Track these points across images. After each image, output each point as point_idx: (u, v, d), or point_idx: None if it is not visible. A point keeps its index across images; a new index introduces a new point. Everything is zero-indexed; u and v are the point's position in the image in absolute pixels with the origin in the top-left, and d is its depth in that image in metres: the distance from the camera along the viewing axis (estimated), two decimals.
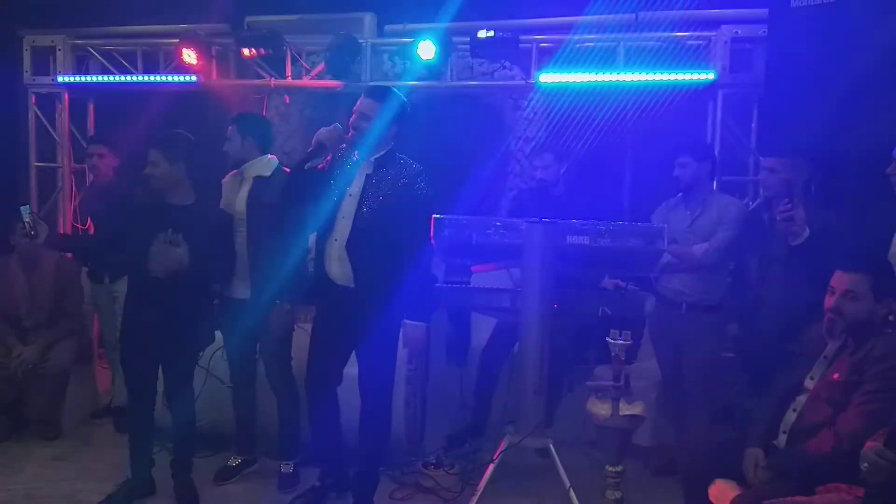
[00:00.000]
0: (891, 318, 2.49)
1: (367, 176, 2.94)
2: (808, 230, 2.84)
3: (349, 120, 2.93)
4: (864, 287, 2.45)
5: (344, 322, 2.98)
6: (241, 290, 3.29)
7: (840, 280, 2.49)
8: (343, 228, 2.93)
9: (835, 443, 2.36)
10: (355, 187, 2.94)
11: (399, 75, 5.02)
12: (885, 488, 2.08)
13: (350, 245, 2.90)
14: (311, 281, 3.14)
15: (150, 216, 3.09)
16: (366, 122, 2.89)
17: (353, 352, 3.06)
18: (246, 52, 4.65)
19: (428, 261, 3.11)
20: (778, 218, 2.93)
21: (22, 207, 3.41)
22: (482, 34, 4.38)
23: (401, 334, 3.00)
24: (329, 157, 2.96)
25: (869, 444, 2.13)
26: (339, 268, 2.94)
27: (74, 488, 3.35)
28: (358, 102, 2.93)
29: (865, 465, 2.10)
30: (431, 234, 3.03)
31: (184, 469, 3.23)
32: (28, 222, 3.29)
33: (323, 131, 2.90)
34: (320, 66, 4.93)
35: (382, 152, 2.96)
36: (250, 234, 3.26)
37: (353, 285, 2.93)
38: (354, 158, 2.96)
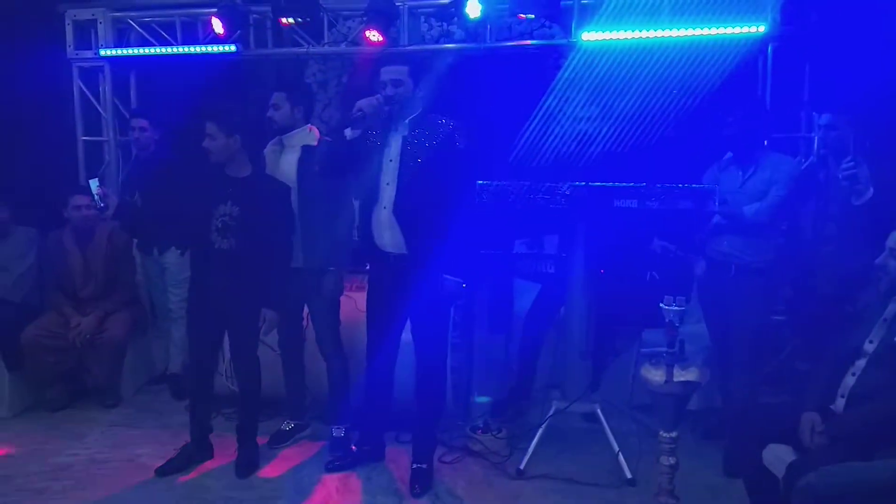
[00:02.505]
0: None
1: (403, 139, 2.94)
2: (871, 190, 2.73)
3: (383, 91, 2.91)
4: None
5: (397, 289, 3.00)
6: (294, 258, 3.33)
7: (892, 238, 2.46)
8: (389, 195, 2.93)
9: (894, 407, 2.31)
10: (394, 152, 2.95)
11: (436, 38, 4.95)
12: None
13: (397, 210, 2.91)
14: (357, 249, 3.16)
15: (209, 188, 3.13)
16: (402, 87, 2.91)
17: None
18: (284, 20, 4.62)
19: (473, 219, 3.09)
20: (840, 176, 2.83)
21: (91, 181, 3.47)
22: None
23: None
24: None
25: None
26: (390, 236, 2.95)
27: (135, 453, 3.48)
28: (383, 73, 2.93)
29: None
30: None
31: (249, 434, 3.32)
32: (98, 195, 3.35)
33: (364, 101, 2.89)
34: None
35: (415, 114, 2.95)
36: (301, 203, 3.29)
37: (405, 251, 2.94)
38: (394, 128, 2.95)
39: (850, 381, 2.49)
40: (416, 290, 2.93)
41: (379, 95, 2.90)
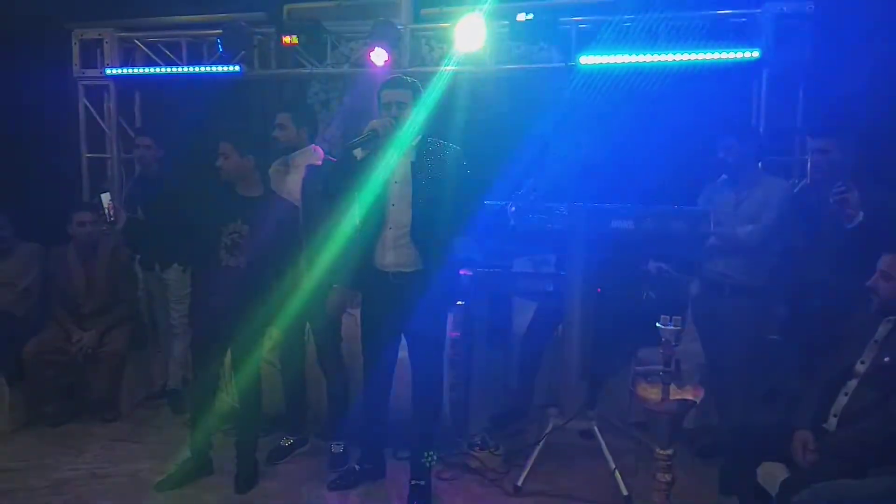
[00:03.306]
0: None
1: (413, 163, 2.99)
2: (861, 213, 2.79)
3: (386, 113, 2.96)
4: None
5: (394, 308, 3.04)
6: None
7: (882, 261, 2.54)
8: (398, 217, 2.98)
9: (886, 427, 2.36)
10: (400, 175, 2.99)
11: (437, 60, 5.03)
12: None
13: (414, 233, 2.96)
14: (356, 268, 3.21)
15: (220, 207, 3.19)
16: (405, 109, 2.96)
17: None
18: (287, 39, 4.70)
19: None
20: (831, 200, 2.89)
21: (102, 194, 3.50)
22: (521, 17, 4.35)
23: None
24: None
25: None
26: (395, 256, 3.00)
27: (136, 467, 3.50)
28: (386, 95, 2.98)
29: None
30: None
31: (248, 449, 3.34)
32: (108, 208, 3.37)
33: (378, 122, 2.95)
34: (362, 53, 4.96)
35: (419, 138, 3.01)
36: (305, 222, 3.34)
37: (408, 270, 2.99)
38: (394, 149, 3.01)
39: (842, 400, 2.54)
40: (413, 309, 2.98)
41: (390, 117, 2.95)
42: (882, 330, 2.56)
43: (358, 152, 2.95)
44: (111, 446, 3.77)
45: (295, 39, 4.71)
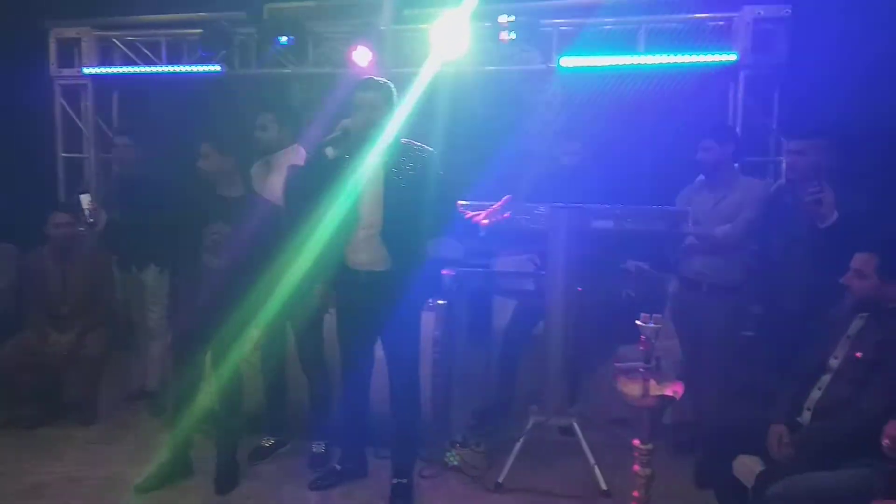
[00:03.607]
0: None
1: (385, 164, 3.00)
2: (836, 213, 2.85)
3: (359, 114, 2.96)
4: (871, 267, 2.54)
5: (370, 306, 3.05)
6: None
7: (855, 259, 2.60)
8: (369, 217, 2.99)
9: (858, 420, 2.41)
10: (372, 176, 3.00)
11: (419, 61, 5.04)
12: None
13: (385, 234, 2.98)
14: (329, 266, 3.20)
15: (201, 208, 3.17)
16: (376, 111, 2.96)
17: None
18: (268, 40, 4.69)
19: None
20: (806, 200, 2.94)
21: (81, 195, 3.44)
22: (503, 19, 4.38)
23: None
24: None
25: (891, 421, 2.18)
26: (366, 255, 3.01)
27: (114, 470, 3.46)
28: (357, 97, 2.98)
29: (886, 441, 2.16)
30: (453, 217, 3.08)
31: (228, 450, 3.32)
32: (88, 210, 3.32)
33: (349, 121, 2.96)
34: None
35: (391, 140, 3.02)
36: (288, 222, 3.32)
37: (379, 269, 3.00)
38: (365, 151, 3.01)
39: (816, 394, 2.59)
40: (388, 308, 2.99)
41: (361, 117, 2.96)
42: (854, 326, 2.62)
43: (329, 151, 2.95)
44: (89, 449, 3.73)
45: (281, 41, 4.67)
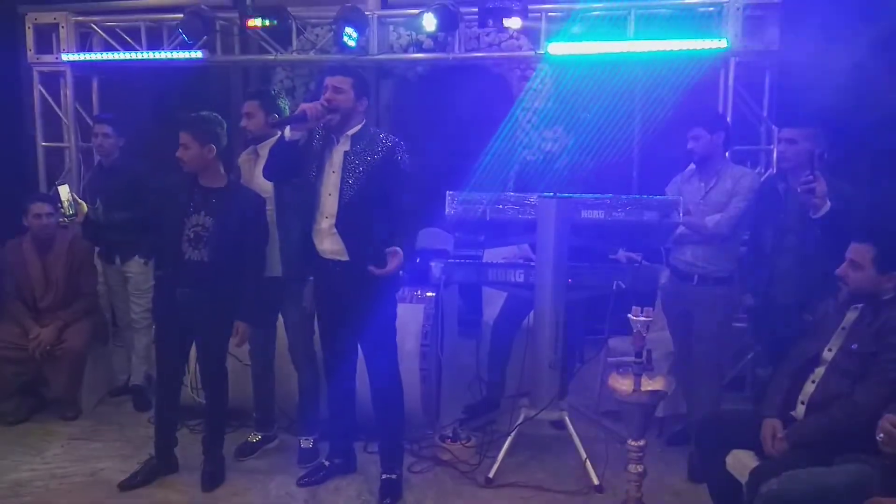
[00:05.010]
0: None
1: (345, 153, 2.94)
2: (828, 203, 2.82)
3: (322, 98, 2.90)
4: (867, 258, 2.50)
5: (342, 296, 3.01)
6: (273, 268, 3.30)
7: (850, 250, 2.56)
8: (330, 205, 2.94)
9: (852, 413, 2.39)
10: (336, 164, 2.95)
11: (405, 47, 4.97)
12: None
13: (339, 222, 2.92)
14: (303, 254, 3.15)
15: (182, 199, 3.09)
16: (342, 95, 2.90)
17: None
18: (251, 23, 4.58)
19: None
20: (799, 189, 2.91)
21: (59, 186, 3.32)
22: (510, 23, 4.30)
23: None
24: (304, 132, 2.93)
25: (886, 415, 2.15)
26: (330, 243, 2.97)
27: (97, 466, 3.40)
28: (326, 81, 2.93)
29: (881, 435, 2.14)
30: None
31: (215, 446, 3.27)
32: (68, 202, 3.21)
33: (308, 104, 2.89)
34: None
35: (357, 128, 2.96)
36: (278, 212, 3.26)
37: (344, 259, 2.96)
38: (332, 137, 2.96)
39: (809, 388, 2.57)
40: (358, 298, 2.95)
41: (322, 101, 2.88)
42: (849, 317, 2.59)
43: (287, 132, 2.88)
44: (72, 445, 3.66)
45: (263, 22, 4.59)
